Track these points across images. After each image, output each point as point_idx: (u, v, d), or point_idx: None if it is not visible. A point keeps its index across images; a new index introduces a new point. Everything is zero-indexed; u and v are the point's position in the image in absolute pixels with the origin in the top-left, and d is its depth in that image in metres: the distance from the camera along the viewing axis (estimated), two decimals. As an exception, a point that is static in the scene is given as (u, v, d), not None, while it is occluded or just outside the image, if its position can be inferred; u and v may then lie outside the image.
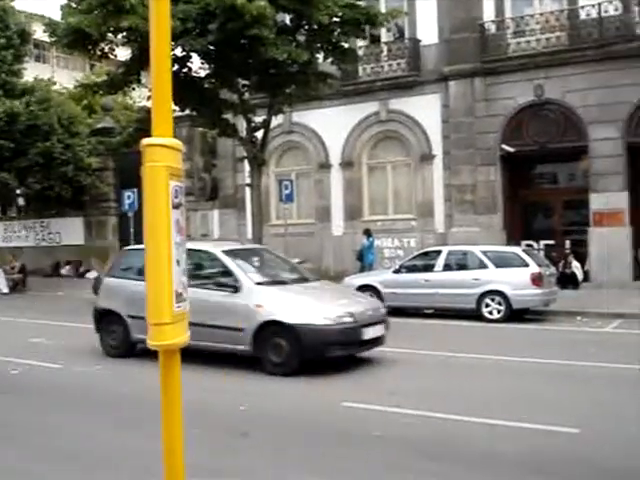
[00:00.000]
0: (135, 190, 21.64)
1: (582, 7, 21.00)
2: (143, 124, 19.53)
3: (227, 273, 10.81)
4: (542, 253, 20.93)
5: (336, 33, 19.13)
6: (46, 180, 28.43)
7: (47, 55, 43.25)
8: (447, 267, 16.83)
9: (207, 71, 19.98)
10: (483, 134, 22.61)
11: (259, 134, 20.61)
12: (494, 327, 15.09)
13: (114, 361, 11.36)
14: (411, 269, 17.49)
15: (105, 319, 11.95)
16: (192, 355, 10.01)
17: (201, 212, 28.31)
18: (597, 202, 21.00)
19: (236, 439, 6.89)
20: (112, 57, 19.72)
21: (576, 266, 20.89)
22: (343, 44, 19.70)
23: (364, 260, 21.75)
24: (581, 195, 21.67)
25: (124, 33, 17.89)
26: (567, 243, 22.17)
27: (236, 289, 10.50)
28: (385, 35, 24.64)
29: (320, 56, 19.79)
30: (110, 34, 18.47)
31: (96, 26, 17.48)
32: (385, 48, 24.46)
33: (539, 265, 16.14)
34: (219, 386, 9.43)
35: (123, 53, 19.87)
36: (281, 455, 6.41)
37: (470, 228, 22.31)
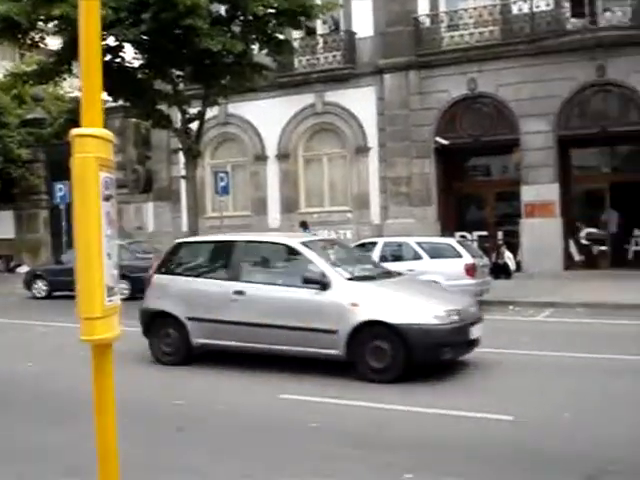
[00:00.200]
0: (67, 182, 21.19)
1: (514, 2, 21.45)
2: (74, 115, 19.06)
3: (311, 268, 9.43)
4: (475, 244, 21.24)
5: (271, 24, 19.07)
6: (-26, 172, 27.68)
7: (-26, 43, 41.98)
8: (383, 258, 16.88)
9: (141, 61, 19.69)
10: (418, 127, 22.84)
11: (194, 125, 20.44)
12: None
13: (45, 359, 11.03)
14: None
15: (157, 322, 10.44)
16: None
17: (135, 205, 27.92)
18: (528, 194, 21.47)
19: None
20: (43, 46, 19.25)
21: (508, 257, 21.28)
22: (278, 35, 19.64)
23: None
24: (513, 187, 22.13)
25: (55, 22, 17.55)
26: (500, 234, 22.61)
27: (324, 286, 9.13)
28: (321, 27, 24.68)
29: (255, 47, 19.70)
30: (40, 23, 18.11)
31: (26, 14, 17.11)
32: (321, 40, 24.51)
33: (473, 256, 16.35)
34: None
35: (54, 42, 19.43)
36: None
37: (405, 220, 22.53)
